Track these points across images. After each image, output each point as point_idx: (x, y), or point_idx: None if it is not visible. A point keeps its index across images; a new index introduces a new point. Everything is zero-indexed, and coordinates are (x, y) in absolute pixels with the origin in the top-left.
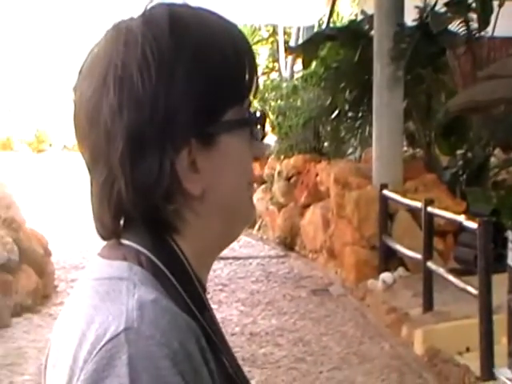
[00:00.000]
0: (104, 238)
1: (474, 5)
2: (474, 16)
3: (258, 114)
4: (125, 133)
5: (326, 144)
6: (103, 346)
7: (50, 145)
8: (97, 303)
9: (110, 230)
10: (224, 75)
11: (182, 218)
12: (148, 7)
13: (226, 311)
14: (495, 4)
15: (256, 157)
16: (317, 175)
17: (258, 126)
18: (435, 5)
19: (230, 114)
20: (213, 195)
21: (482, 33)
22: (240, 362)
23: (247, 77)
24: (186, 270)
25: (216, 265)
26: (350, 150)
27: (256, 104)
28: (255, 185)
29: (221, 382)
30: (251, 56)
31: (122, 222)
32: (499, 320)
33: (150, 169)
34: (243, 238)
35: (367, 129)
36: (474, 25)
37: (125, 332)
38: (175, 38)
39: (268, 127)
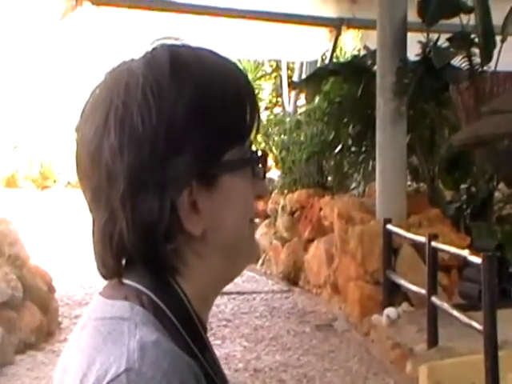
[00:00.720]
0: (105, 277)
1: (476, 40)
2: (476, 51)
3: (259, 154)
4: (126, 173)
5: (329, 178)
6: None
7: (55, 181)
8: (98, 344)
9: (112, 270)
10: (224, 116)
11: (182, 258)
12: (150, 48)
13: (230, 347)
14: (498, 39)
15: (259, 195)
16: (320, 210)
17: (260, 165)
18: (438, 40)
19: (230, 154)
20: (214, 235)
21: (485, 67)
22: None
23: (248, 116)
24: (188, 310)
25: (219, 300)
26: (354, 185)
27: (259, 139)
28: (259, 220)
29: None
30: (252, 95)
31: (123, 261)
32: (505, 356)
33: (150, 209)
34: (247, 273)
35: (370, 163)
36: (477, 59)
37: (126, 373)
38: (176, 79)
39: (271, 162)
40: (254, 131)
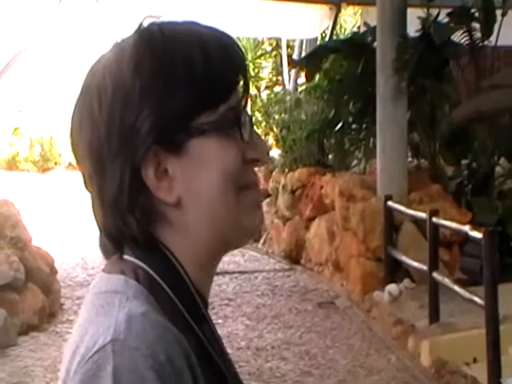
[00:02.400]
0: (105, 255)
1: (476, 14)
2: (477, 26)
3: (234, 117)
4: (86, 150)
5: (330, 157)
6: (90, 357)
7: (56, 163)
8: (91, 316)
9: (109, 248)
10: (190, 83)
11: (166, 228)
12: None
13: (232, 326)
14: (498, 13)
15: (253, 159)
16: (321, 188)
17: (246, 128)
18: (438, 15)
19: (201, 118)
20: (191, 202)
21: (486, 42)
22: (246, 377)
23: (225, 81)
24: (184, 281)
25: (221, 279)
26: (355, 162)
27: (260, 118)
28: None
29: None
30: (235, 61)
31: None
32: (506, 330)
33: (111, 182)
34: (248, 252)
35: (371, 140)
36: (478, 34)
37: (111, 343)
38: (136, 54)
39: (272, 140)
40: (233, 93)
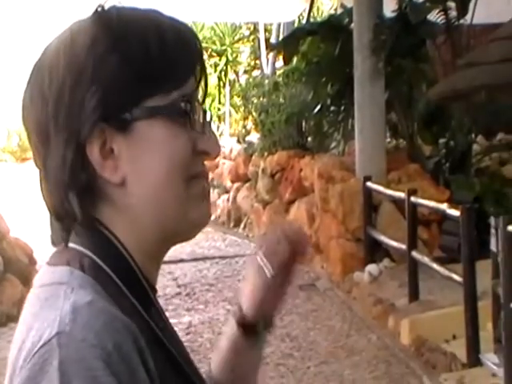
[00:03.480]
0: (54, 243)
1: None
2: (452, 4)
3: (186, 105)
4: (33, 128)
5: (309, 139)
6: (36, 352)
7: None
8: (36, 310)
9: (57, 235)
10: (142, 64)
11: (111, 210)
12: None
13: (213, 311)
14: None
15: (204, 151)
16: (301, 171)
17: (198, 117)
18: None
19: (152, 101)
20: (135, 184)
21: (461, 21)
22: None
23: (180, 66)
24: (130, 267)
25: (202, 265)
26: (334, 144)
27: (239, 102)
28: (239, 183)
29: (170, 375)
30: (191, 47)
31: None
32: (484, 306)
33: (55, 158)
34: (229, 237)
35: (350, 122)
36: (453, 13)
37: (57, 336)
38: (91, 35)
39: (251, 124)
40: (187, 80)
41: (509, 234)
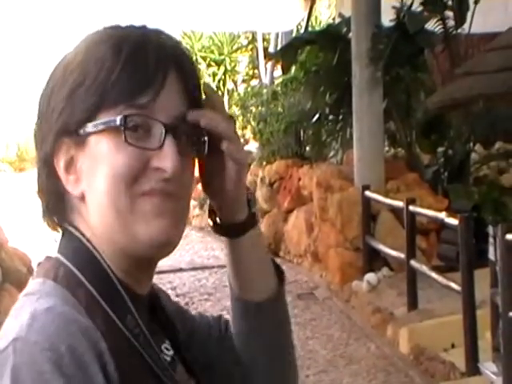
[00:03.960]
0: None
1: (450, 2)
2: (450, 14)
3: (122, 119)
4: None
5: (307, 148)
6: None
7: (32, 163)
8: (8, 320)
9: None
10: (94, 81)
11: (82, 221)
12: None
13: None
14: (471, 1)
15: (157, 168)
16: (299, 180)
17: (153, 132)
18: (412, 4)
19: (103, 115)
20: (91, 199)
21: (459, 30)
22: None
23: (127, 84)
24: (106, 275)
25: (201, 274)
26: (332, 153)
27: (237, 112)
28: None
29: (144, 381)
30: (141, 58)
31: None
32: (483, 315)
33: (38, 172)
34: None
35: (348, 131)
36: (451, 22)
37: (13, 343)
38: (63, 60)
39: (249, 133)
40: (136, 97)
41: (507, 243)
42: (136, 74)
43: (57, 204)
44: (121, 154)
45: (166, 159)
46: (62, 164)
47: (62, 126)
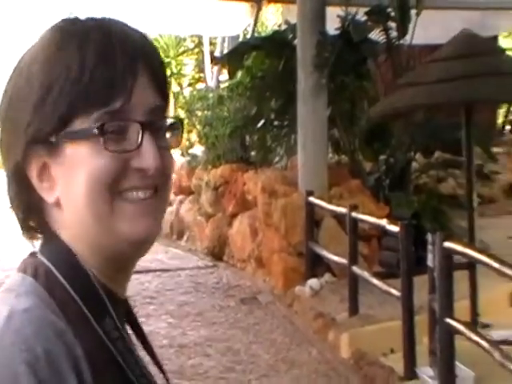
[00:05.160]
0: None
1: (393, 14)
2: (393, 25)
3: (99, 128)
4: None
5: (252, 153)
6: None
7: None
8: None
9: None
10: (63, 86)
11: (58, 226)
12: None
13: (154, 324)
14: (413, 13)
15: (138, 168)
16: (244, 184)
17: (130, 134)
18: (356, 13)
19: (76, 122)
20: (68, 205)
21: (402, 41)
22: (169, 375)
23: (98, 86)
24: (85, 276)
25: (144, 277)
26: (277, 159)
27: (183, 115)
28: (182, 196)
29: None
30: (108, 61)
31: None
32: (421, 321)
33: (8, 182)
34: (171, 250)
35: (293, 137)
36: (394, 33)
37: None
38: (24, 60)
39: (196, 137)
40: (124, 99)
41: (445, 250)
42: (106, 76)
43: (32, 212)
44: (100, 159)
45: (146, 158)
46: (35, 172)
47: (33, 134)
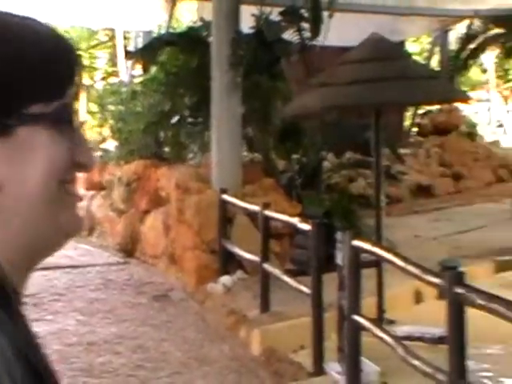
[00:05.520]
0: None
1: (306, 14)
2: (306, 26)
3: (68, 113)
4: None
5: (166, 149)
6: None
7: None
8: None
9: None
10: (21, 73)
11: None
12: None
13: (63, 321)
14: (326, 15)
15: (80, 163)
16: (157, 181)
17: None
18: (270, 13)
19: (35, 107)
20: (14, 189)
21: (314, 42)
22: (77, 373)
23: (59, 74)
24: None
25: (52, 274)
26: (191, 155)
27: (95, 109)
28: (93, 191)
29: None
30: (67, 54)
31: None
32: (330, 317)
33: None
34: (81, 246)
35: (207, 134)
36: (307, 34)
37: None
38: None
39: (108, 132)
40: (72, 94)
41: (353, 249)
42: (63, 70)
43: None
44: (60, 148)
45: (88, 154)
46: None
47: None
